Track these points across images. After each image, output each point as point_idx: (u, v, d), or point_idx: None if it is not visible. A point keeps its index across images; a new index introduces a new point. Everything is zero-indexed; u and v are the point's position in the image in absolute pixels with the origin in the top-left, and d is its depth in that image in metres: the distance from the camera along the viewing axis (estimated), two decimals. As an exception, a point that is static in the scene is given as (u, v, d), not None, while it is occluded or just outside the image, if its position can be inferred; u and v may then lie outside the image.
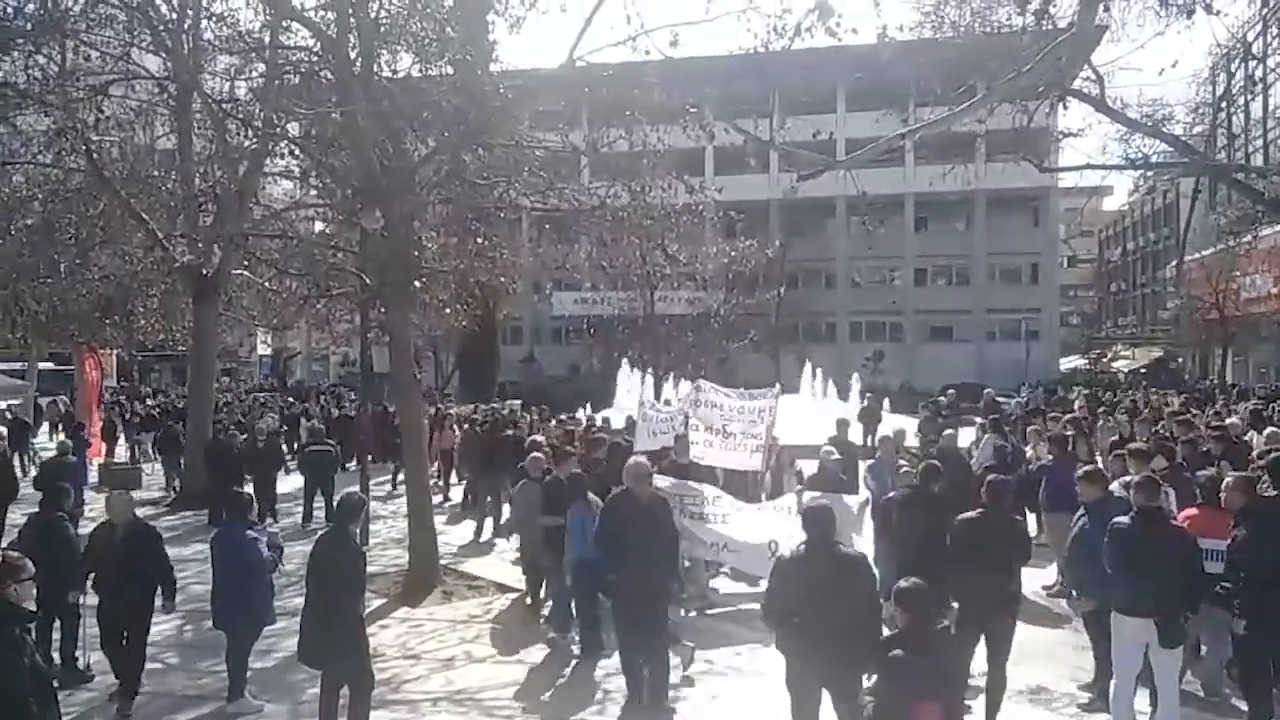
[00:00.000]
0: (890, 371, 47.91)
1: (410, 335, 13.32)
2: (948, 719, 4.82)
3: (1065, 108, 17.99)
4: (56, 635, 8.33)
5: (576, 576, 8.95)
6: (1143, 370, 50.07)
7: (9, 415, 24.65)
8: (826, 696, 5.92)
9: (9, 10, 18.02)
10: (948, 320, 55.45)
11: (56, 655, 8.23)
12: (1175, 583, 6.50)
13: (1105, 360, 56.38)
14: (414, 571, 11.69)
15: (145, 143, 20.83)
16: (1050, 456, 11.77)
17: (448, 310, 20.12)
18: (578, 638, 9.20)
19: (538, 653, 9.22)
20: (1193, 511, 7.48)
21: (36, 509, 8.80)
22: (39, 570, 5.51)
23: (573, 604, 9.21)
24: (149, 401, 32.59)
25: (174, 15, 18.09)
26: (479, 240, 15.64)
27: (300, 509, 16.19)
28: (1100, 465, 10.18)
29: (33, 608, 5.32)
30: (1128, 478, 8.62)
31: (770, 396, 12.61)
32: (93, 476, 19.24)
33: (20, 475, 16.74)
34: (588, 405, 25.84)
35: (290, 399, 35.65)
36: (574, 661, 8.96)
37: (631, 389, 29.03)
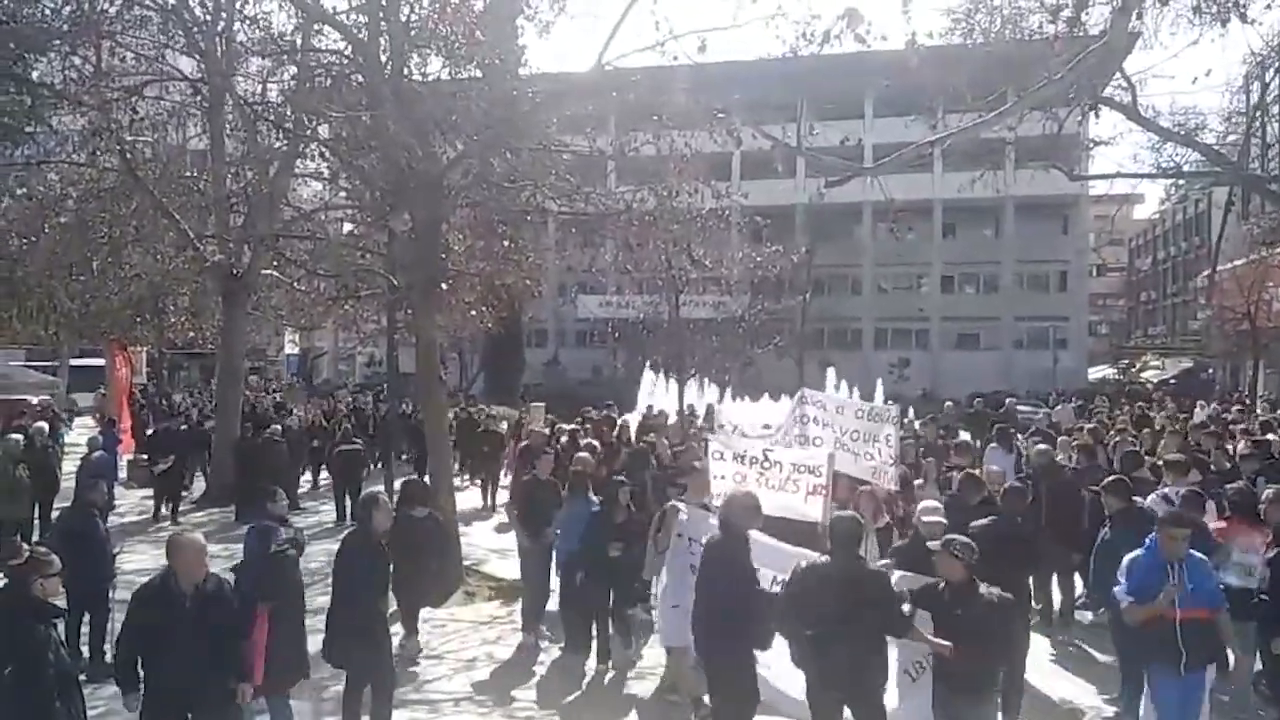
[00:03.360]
0: (916, 379, 47.59)
1: (436, 336, 13.39)
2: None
3: (1096, 115, 17.85)
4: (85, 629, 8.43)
5: (566, 571, 9.02)
6: (1172, 380, 49.46)
7: (39, 409, 24.93)
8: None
9: (46, 12, 18.33)
10: (975, 327, 54.96)
11: (85, 649, 8.35)
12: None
13: (1135, 370, 55.72)
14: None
15: (178, 143, 21.11)
16: (1078, 466, 11.67)
17: (473, 312, 20.20)
18: (547, 631, 9.55)
19: (558, 654, 9.24)
20: (1221, 524, 7.41)
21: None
22: (69, 565, 5.58)
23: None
24: (177, 396, 32.64)
25: (207, 18, 18.29)
26: (505, 243, 15.69)
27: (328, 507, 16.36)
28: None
29: (60, 603, 5.37)
30: (1167, 489, 8.57)
31: (887, 421, 9.55)
32: (122, 473, 19.45)
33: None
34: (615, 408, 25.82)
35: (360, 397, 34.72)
36: (556, 655, 9.12)
37: (656, 393, 28.99)
